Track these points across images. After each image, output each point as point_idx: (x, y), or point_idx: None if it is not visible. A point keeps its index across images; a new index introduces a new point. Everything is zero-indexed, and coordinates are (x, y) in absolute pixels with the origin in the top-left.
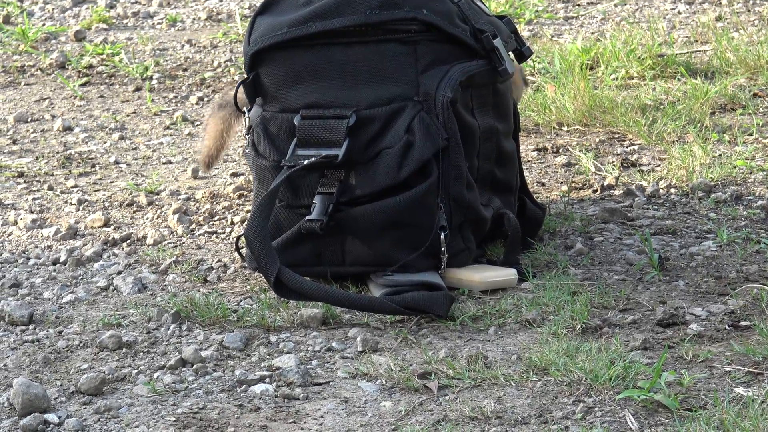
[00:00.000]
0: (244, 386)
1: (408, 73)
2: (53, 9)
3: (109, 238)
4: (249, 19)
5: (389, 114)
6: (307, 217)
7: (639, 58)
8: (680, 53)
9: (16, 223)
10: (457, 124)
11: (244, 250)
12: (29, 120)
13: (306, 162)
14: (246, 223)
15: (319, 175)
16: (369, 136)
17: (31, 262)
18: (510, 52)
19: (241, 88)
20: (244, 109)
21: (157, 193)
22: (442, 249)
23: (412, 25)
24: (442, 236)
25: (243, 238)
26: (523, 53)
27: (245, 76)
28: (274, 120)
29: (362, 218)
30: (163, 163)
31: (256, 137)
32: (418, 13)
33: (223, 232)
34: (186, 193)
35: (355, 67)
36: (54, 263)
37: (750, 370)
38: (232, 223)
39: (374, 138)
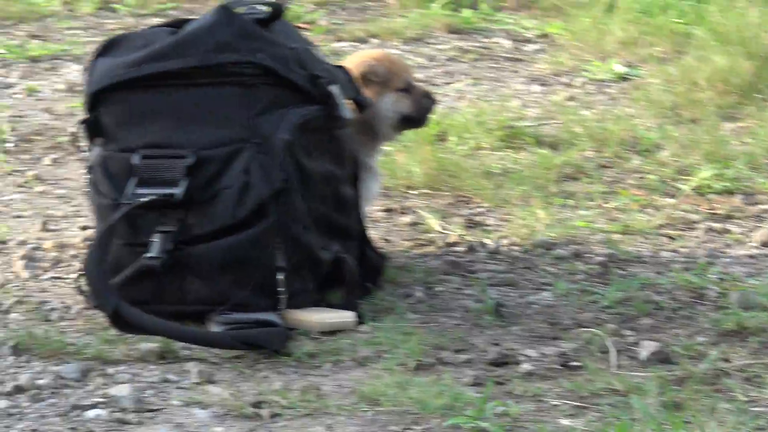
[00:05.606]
0: (77, 411)
1: (245, 115)
2: None
3: None
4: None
5: (227, 155)
6: (146, 255)
7: (488, 129)
8: (529, 125)
9: None
10: (294, 167)
11: (86, 289)
12: None
13: (144, 200)
14: (84, 257)
15: (158, 214)
16: (207, 176)
17: None
18: (348, 100)
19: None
20: (84, 148)
21: (4, 242)
22: (281, 289)
23: (248, 69)
24: (280, 276)
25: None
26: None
27: None
28: (113, 159)
29: (201, 257)
30: (13, 217)
31: (96, 176)
32: (254, 56)
33: (68, 277)
34: (34, 243)
35: (192, 108)
36: None
37: (576, 404)
38: (78, 269)
39: (213, 178)
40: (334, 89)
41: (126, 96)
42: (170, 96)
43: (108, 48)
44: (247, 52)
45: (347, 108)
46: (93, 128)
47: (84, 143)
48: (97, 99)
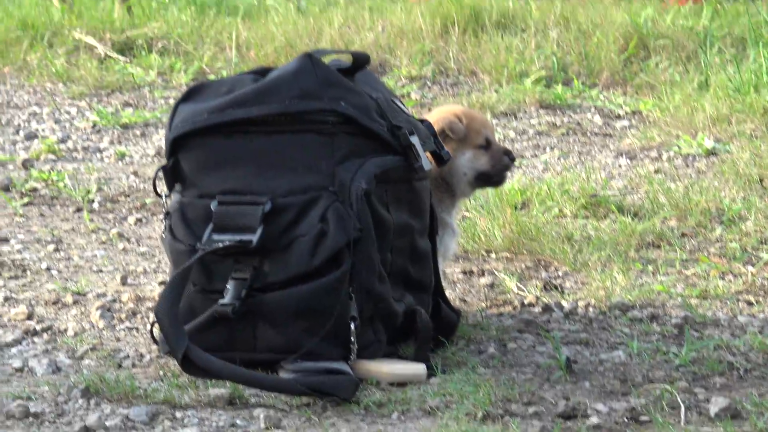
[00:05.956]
0: None
1: (324, 163)
2: (4, 141)
3: (30, 329)
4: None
5: (304, 203)
6: (220, 302)
7: (572, 197)
8: (613, 194)
9: None
10: (371, 217)
11: (159, 335)
12: None
13: (220, 245)
14: (156, 301)
15: (233, 261)
16: (284, 223)
17: None
18: (428, 153)
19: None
20: (162, 193)
21: (84, 294)
22: (352, 339)
23: (330, 117)
24: (352, 326)
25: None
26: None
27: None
28: (191, 205)
29: (275, 304)
30: (94, 272)
31: (173, 222)
32: (337, 105)
33: (144, 328)
34: (112, 296)
35: (272, 155)
36: None
37: None
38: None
39: (289, 226)
40: (415, 140)
41: (206, 141)
42: (251, 142)
43: (190, 94)
44: (329, 101)
45: (427, 160)
46: (172, 174)
47: (163, 190)
48: (177, 144)
